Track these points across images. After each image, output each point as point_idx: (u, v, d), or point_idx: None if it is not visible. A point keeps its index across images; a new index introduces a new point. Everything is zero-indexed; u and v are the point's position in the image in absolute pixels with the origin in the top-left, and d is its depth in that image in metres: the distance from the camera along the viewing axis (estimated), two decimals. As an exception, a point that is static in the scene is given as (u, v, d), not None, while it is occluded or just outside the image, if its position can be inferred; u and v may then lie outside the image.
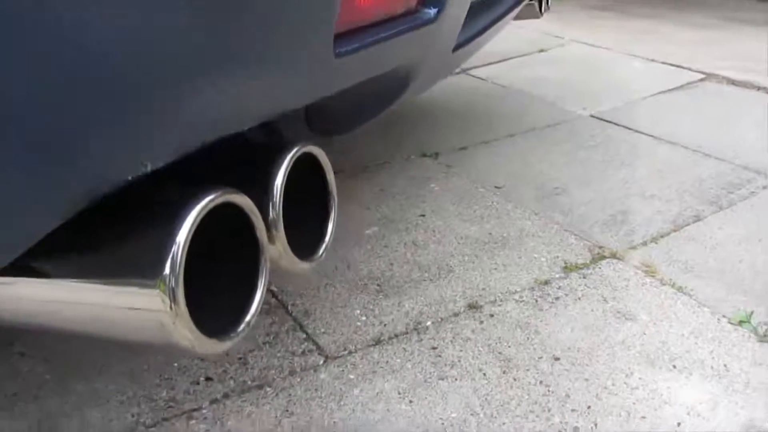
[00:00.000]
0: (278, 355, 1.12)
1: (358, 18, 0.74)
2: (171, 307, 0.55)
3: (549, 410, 1.02)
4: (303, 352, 1.13)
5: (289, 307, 1.24)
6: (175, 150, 0.56)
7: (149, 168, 0.54)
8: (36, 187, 0.48)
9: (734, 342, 1.17)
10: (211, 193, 0.57)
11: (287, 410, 1.01)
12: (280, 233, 0.67)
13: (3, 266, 0.51)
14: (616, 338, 1.18)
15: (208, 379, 1.07)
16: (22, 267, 0.57)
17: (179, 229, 0.54)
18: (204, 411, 1.00)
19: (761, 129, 2.14)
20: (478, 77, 2.69)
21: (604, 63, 2.91)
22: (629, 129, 2.13)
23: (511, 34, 3.33)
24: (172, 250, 0.54)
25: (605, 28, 3.59)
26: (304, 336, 1.17)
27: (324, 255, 0.76)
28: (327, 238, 0.76)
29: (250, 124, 0.64)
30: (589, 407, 1.03)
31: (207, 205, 0.56)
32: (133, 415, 0.99)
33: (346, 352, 1.13)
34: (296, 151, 0.67)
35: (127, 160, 0.53)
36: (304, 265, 0.72)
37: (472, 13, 1.14)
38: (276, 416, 1.00)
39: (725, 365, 1.12)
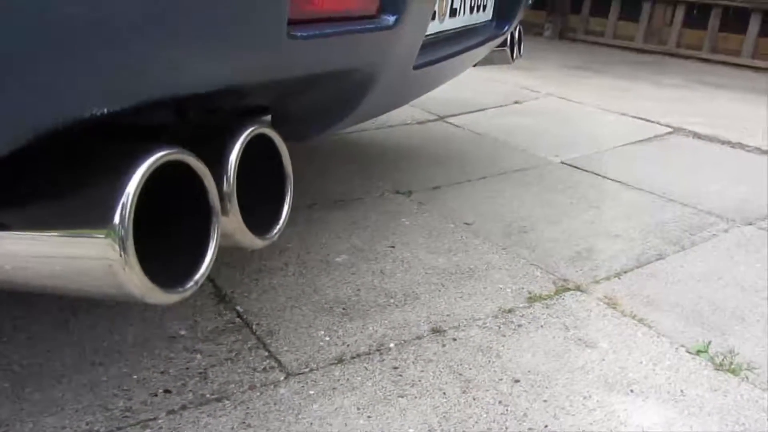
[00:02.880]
0: (239, 370, 1.12)
1: (315, 7, 0.79)
2: (121, 255, 0.57)
3: (506, 428, 1.03)
4: (264, 369, 1.13)
5: (254, 327, 1.25)
6: (120, 98, 0.59)
7: (96, 112, 0.56)
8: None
9: (691, 369, 1.19)
10: (166, 149, 0.60)
11: (244, 422, 1.00)
12: (234, 206, 0.69)
13: None
14: (576, 363, 1.20)
15: (166, 391, 1.06)
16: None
17: (130, 179, 0.57)
18: (160, 421, 1.00)
19: (723, 178, 2.22)
20: (455, 124, 2.77)
21: (577, 115, 3.02)
22: (598, 175, 2.20)
23: (489, 87, 3.45)
24: (122, 199, 0.56)
25: (581, 84, 3.73)
26: (267, 353, 1.17)
27: (277, 235, 0.78)
28: (282, 219, 0.78)
29: (203, 88, 0.67)
30: (546, 426, 1.04)
31: (160, 158, 0.59)
32: (87, 423, 0.98)
33: (308, 369, 1.14)
34: (252, 130, 0.71)
35: (72, 99, 0.55)
36: (257, 241, 0.75)
37: (437, 41, 1.20)
38: (233, 427, 0.99)
39: (682, 390, 1.14)
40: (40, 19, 0.52)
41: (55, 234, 0.60)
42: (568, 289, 1.46)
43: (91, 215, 0.59)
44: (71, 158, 0.62)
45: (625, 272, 1.55)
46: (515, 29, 1.98)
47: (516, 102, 3.20)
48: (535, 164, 2.29)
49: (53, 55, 0.53)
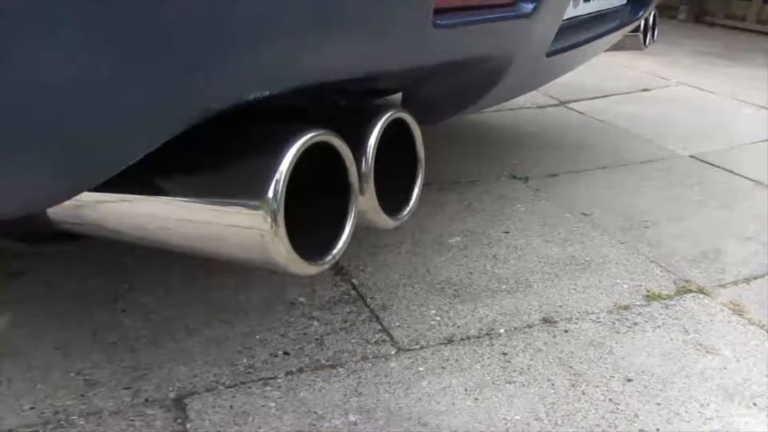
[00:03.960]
0: (353, 341, 1.17)
1: (458, -2, 0.80)
2: (272, 226, 0.62)
3: (616, 427, 1.01)
4: (376, 342, 1.17)
5: (368, 300, 1.29)
6: (284, 82, 0.63)
7: (260, 95, 0.61)
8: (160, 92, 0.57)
9: (824, 389, 1.12)
10: (315, 130, 0.64)
11: (356, 390, 1.05)
12: (370, 186, 0.72)
13: (132, 161, 0.59)
14: (694, 369, 1.15)
15: (285, 353, 1.13)
16: (144, 183, 0.65)
17: (284, 157, 0.61)
18: (279, 380, 1.06)
19: None
20: (577, 110, 2.69)
21: (710, 106, 2.83)
22: (730, 172, 2.07)
23: (615, 73, 3.31)
24: (276, 175, 0.61)
25: (715, 73, 3.49)
26: (379, 327, 1.21)
27: (408, 217, 0.81)
28: (413, 201, 0.81)
29: (355, 75, 0.70)
30: (658, 430, 1.01)
31: (310, 139, 0.63)
32: (214, 375, 1.07)
33: (418, 346, 1.17)
34: (390, 114, 0.74)
35: (231, 86, 0.60)
36: (389, 221, 0.78)
37: (570, 26, 1.17)
38: (345, 394, 1.04)
39: (811, 410, 1.07)
40: (213, 23, 0.57)
41: (214, 203, 0.65)
42: (690, 291, 1.40)
43: (247, 188, 0.64)
44: (228, 136, 0.67)
45: (755, 278, 1.46)
46: (650, 14, 1.89)
47: (644, 89, 3.05)
48: (661, 156, 2.19)
49: (227, 47, 0.58)
